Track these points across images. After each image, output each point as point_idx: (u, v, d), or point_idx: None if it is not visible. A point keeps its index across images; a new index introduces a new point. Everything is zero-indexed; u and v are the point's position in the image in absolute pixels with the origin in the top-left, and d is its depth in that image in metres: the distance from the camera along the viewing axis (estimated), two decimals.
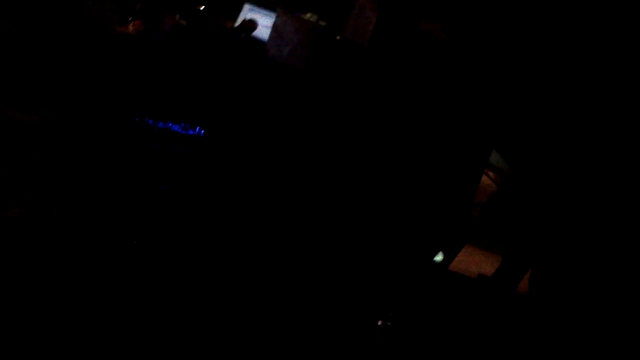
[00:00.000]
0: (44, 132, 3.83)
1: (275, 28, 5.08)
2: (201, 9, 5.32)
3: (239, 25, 5.33)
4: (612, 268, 3.41)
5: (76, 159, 3.76)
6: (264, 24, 5.37)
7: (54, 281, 2.72)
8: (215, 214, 3.82)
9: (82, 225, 3.20)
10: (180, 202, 3.83)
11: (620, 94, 3.65)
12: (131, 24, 4.63)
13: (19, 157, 3.54)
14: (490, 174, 4.51)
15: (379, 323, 3.36)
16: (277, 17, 5.13)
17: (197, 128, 4.56)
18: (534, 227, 3.66)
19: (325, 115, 4.62)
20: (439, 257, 3.80)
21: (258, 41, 5.21)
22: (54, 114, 4.00)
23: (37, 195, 3.29)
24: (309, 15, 5.34)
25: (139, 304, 2.77)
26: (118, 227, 3.29)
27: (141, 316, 2.69)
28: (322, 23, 5.35)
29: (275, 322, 2.99)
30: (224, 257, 3.40)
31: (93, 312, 2.60)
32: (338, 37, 4.94)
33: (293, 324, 3.03)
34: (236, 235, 3.65)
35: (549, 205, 3.66)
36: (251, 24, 5.24)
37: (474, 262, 3.74)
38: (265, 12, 5.56)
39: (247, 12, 5.65)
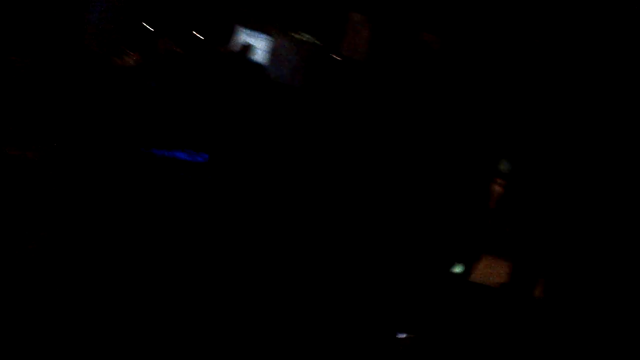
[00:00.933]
0: (47, 168, 3.82)
1: (273, 51, 5.13)
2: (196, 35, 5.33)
3: (237, 51, 5.36)
4: (623, 270, 3.44)
5: (85, 193, 3.73)
6: (260, 46, 5.41)
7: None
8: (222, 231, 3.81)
9: (95, 258, 3.19)
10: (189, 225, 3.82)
11: (621, 96, 3.72)
12: (130, 55, 4.63)
13: (26, 194, 3.53)
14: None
15: (401, 337, 3.36)
16: (273, 40, 5.18)
17: (202, 154, 4.56)
18: (539, 231, 3.68)
19: (329, 131, 4.64)
20: (458, 268, 3.82)
21: (256, 64, 5.23)
22: (54, 150, 3.98)
23: (50, 231, 3.31)
24: (307, 36, 5.39)
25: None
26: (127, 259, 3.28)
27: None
28: (317, 42, 5.40)
29: (293, 337, 2.97)
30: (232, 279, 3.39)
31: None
32: (335, 55, 4.99)
33: (313, 339, 3.02)
34: (249, 258, 3.63)
35: (552, 208, 3.69)
36: (248, 49, 5.27)
37: (495, 272, 3.76)
38: (259, 35, 5.60)
39: (241, 36, 5.68)
